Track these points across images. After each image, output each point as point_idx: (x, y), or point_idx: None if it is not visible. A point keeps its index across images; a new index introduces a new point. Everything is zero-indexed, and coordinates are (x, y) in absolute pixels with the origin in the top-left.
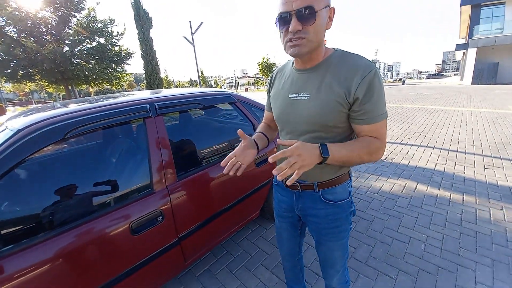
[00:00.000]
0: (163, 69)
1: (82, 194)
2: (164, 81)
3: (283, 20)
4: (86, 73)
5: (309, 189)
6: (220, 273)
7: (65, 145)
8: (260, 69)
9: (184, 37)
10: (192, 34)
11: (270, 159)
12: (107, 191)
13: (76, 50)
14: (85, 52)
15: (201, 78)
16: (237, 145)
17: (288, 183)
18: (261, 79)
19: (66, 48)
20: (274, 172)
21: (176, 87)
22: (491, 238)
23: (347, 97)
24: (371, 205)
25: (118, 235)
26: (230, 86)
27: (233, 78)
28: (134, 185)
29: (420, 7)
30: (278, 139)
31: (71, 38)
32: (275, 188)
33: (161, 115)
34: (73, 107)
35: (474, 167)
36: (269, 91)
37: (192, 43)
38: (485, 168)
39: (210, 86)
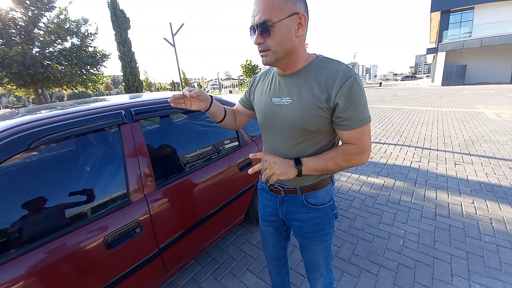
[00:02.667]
0: (143, 71)
1: (51, 208)
2: (144, 83)
3: (252, 33)
4: (58, 75)
5: (292, 194)
6: (205, 281)
7: (32, 155)
8: (243, 71)
9: (165, 38)
10: (173, 35)
11: (250, 171)
12: (79, 203)
13: (46, 51)
14: (56, 53)
15: (183, 80)
16: (222, 149)
17: (270, 181)
18: (245, 81)
19: (36, 50)
20: (251, 170)
21: (157, 89)
22: (464, 231)
23: (328, 102)
24: (353, 204)
25: (92, 251)
26: (213, 88)
27: (217, 80)
28: (109, 196)
29: (394, 13)
30: (250, 154)
31: (41, 39)
32: (260, 193)
33: (137, 121)
34: (39, 114)
35: (446, 163)
36: (249, 91)
37: (173, 45)
38: (455, 164)
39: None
